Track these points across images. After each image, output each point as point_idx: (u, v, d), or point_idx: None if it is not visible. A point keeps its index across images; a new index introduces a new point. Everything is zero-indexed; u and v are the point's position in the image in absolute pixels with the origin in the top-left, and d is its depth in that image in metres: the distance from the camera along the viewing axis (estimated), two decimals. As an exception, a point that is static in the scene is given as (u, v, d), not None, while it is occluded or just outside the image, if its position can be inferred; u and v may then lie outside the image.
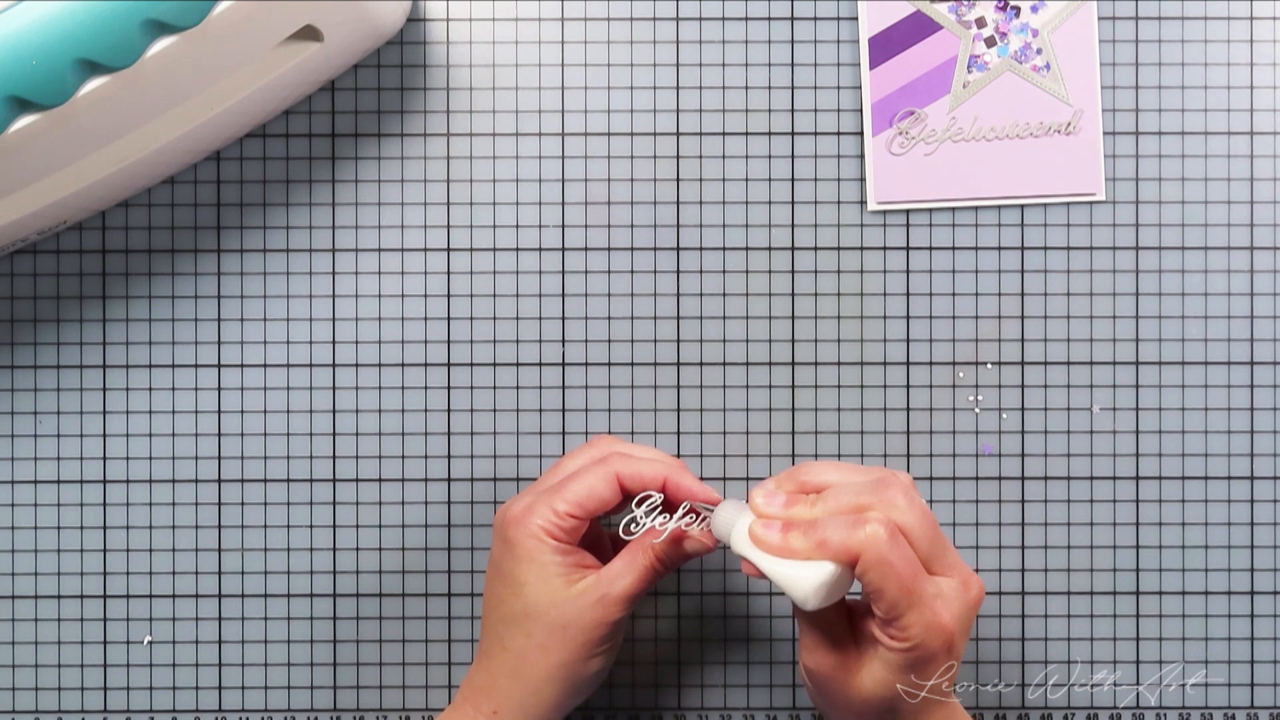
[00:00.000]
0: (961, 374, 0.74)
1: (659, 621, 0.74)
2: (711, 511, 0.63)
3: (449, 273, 0.74)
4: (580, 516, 0.63)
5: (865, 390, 0.74)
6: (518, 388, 0.74)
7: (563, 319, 0.74)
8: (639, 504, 0.63)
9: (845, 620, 0.63)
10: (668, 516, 0.63)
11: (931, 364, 0.74)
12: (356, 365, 0.74)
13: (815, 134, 0.74)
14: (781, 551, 0.60)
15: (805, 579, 0.59)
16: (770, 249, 0.74)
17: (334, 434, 0.74)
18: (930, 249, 0.74)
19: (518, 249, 0.74)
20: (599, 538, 0.69)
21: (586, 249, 0.74)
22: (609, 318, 0.74)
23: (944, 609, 0.59)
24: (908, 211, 0.74)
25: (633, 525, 0.64)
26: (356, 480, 0.74)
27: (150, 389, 0.74)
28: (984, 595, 0.61)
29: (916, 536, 0.59)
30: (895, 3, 0.73)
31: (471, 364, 0.74)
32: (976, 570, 0.73)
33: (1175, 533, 0.74)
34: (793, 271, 0.74)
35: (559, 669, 0.63)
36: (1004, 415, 0.74)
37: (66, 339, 0.74)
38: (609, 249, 0.74)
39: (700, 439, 0.73)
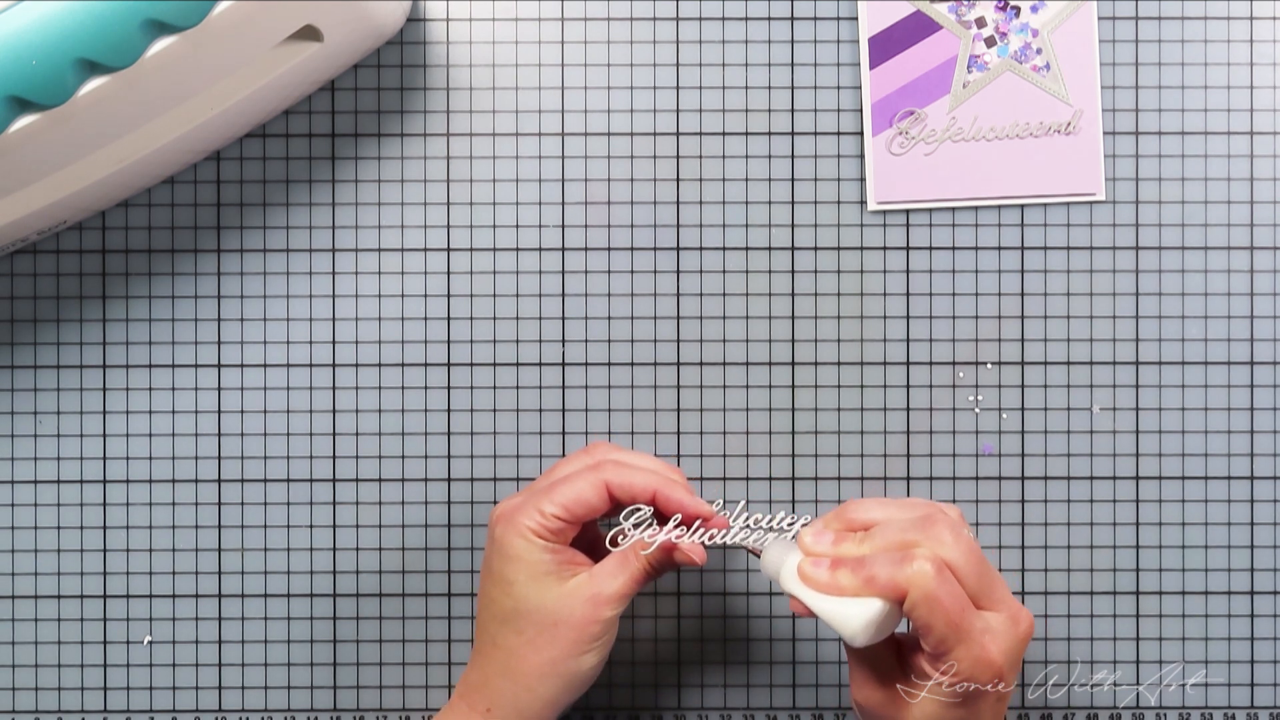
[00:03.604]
0: (961, 374, 0.74)
1: (659, 621, 0.74)
2: (755, 545, 0.64)
3: (449, 273, 0.74)
4: (567, 520, 0.64)
5: (865, 390, 0.74)
6: (518, 388, 0.74)
7: (563, 319, 0.74)
8: (627, 517, 0.64)
9: (894, 655, 0.63)
10: (658, 528, 0.64)
11: (931, 364, 0.74)
12: (356, 365, 0.74)
13: (815, 134, 0.74)
14: (830, 589, 0.60)
15: (854, 616, 0.60)
16: (770, 249, 0.74)
17: (334, 434, 0.74)
18: (930, 249, 0.74)
19: (518, 249, 0.74)
20: (596, 538, 0.69)
21: (586, 249, 0.74)
22: (609, 318, 0.74)
23: (992, 644, 0.59)
24: (908, 211, 0.74)
25: (620, 537, 0.64)
26: (356, 480, 0.74)
27: (150, 389, 0.74)
28: (1033, 629, 0.61)
29: (964, 572, 0.59)
30: (895, 3, 0.73)
31: (471, 364, 0.74)
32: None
33: (1175, 533, 0.74)
34: (793, 271, 0.74)
35: (550, 666, 0.64)
36: (1004, 415, 0.74)
37: (66, 339, 0.74)
38: (609, 249, 0.74)
39: (700, 439, 0.73)
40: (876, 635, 0.60)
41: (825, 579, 0.60)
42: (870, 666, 0.62)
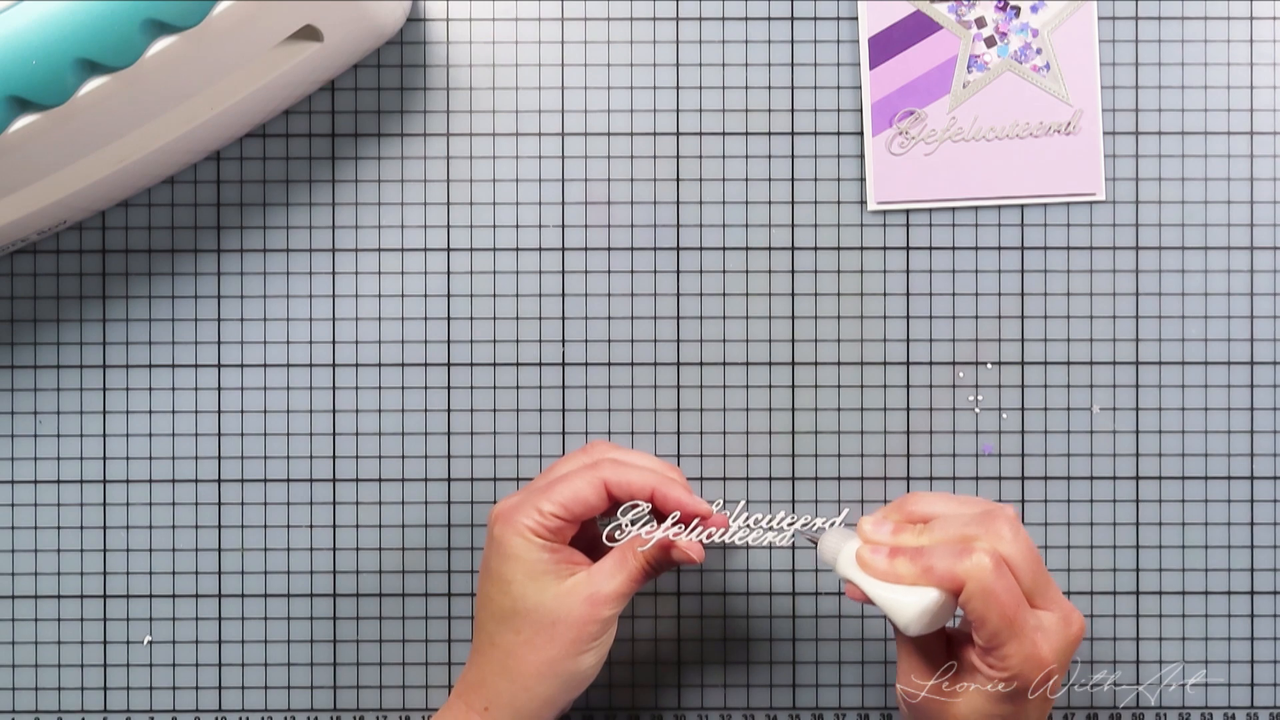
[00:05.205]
0: (961, 374, 0.74)
1: (659, 621, 0.74)
2: (813, 538, 0.65)
3: (449, 273, 0.74)
4: (565, 519, 0.64)
5: (865, 390, 0.74)
6: (518, 388, 0.74)
7: (563, 319, 0.74)
8: (625, 513, 0.64)
9: (944, 648, 0.63)
10: (655, 525, 0.64)
11: (931, 364, 0.74)
12: (356, 365, 0.74)
13: (815, 134, 0.74)
14: (887, 576, 0.61)
15: (909, 604, 0.60)
16: (770, 249, 0.74)
17: (334, 434, 0.74)
18: (930, 249, 0.74)
19: (518, 249, 0.74)
20: (594, 538, 0.69)
21: (586, 249, 0.74)
22: (609, 318, 0.74)
23: (1044, 642, 0.60)
24: (908, 211, 0.74)
25: (617, 532, 0.64)
26: (356, 480, 0.74)
27: (150, 389, 0.74)
28: (1084, 631, 0.62)
29: (1020, 569, 0.60)
30: (895, 3, 0.73)
31: (471, 364, 0.74)
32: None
33: (1175, 533, 0.74)
34: (793, 271, 0.74)
35: (548, 665, 0.64)
36: (1004, 415, 0.74)
37: (66, 339, 0.74)
38: (609, 249, 0.74)
39: (700, 439, 0.73)
40: (930, 625, 0.61)
41: (883, 566, 0.61)
42: (920, 657, 0.63)
